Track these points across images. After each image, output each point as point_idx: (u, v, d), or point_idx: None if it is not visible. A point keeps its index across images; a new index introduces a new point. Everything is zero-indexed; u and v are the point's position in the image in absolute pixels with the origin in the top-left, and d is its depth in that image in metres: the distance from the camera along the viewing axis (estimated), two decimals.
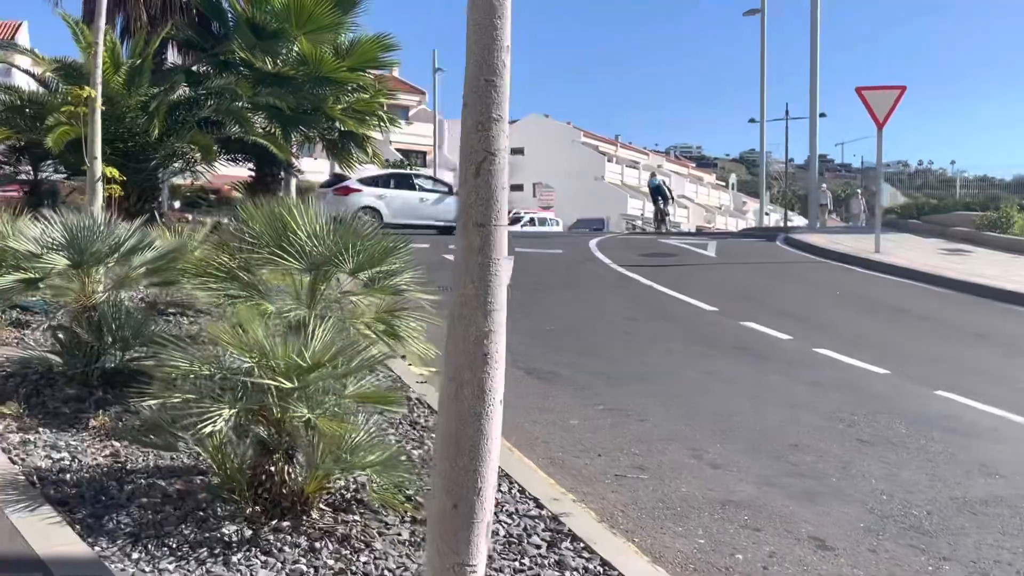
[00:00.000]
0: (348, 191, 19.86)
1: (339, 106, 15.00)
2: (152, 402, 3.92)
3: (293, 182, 16.21)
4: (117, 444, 4.63)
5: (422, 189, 20.50)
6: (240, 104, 13.40)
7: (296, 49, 14.72)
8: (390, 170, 22.87)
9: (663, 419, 5.97)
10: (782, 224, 42.37)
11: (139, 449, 4.43)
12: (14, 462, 4.30)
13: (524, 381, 6.75)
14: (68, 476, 4.16)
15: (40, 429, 4.88)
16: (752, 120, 58.24)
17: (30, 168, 15.66)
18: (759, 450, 5.35)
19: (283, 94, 14.07)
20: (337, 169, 18.71)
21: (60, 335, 5.86)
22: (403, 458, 4.03)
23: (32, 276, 5.63)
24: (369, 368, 4.22)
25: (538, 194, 61.11)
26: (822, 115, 53.83)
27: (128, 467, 4.33)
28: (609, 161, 68.08)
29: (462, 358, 2.28)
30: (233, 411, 3.68)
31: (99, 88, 7.59)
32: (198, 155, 14.65)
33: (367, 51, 15.03)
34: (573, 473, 4.86)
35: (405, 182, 20.56)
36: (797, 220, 50.84)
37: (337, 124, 15.45)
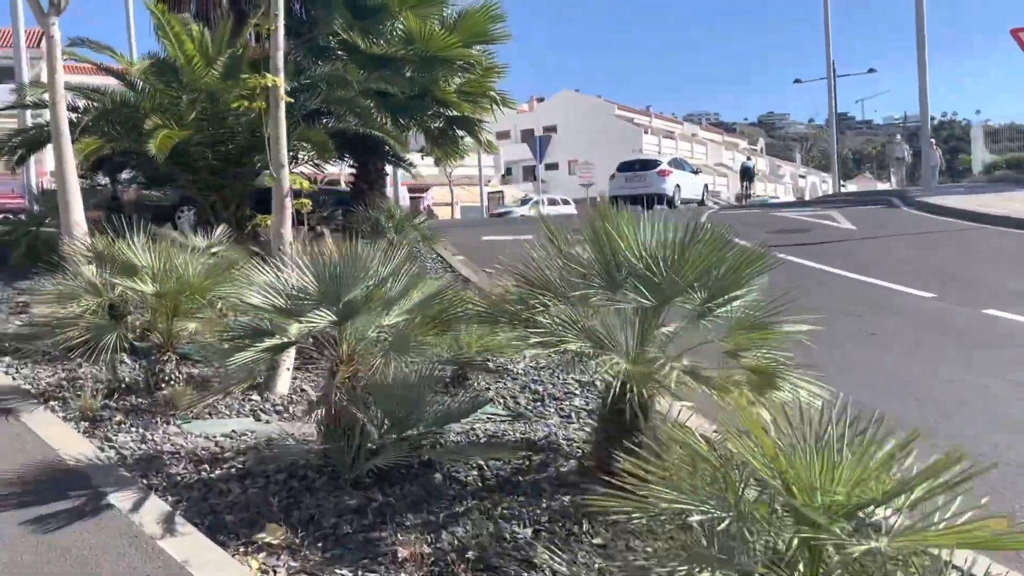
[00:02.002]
0: (665, 173, 24.25)
1: (450, 88, 13.27)
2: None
3: (397, 179, 14.57)
4: None
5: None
6: (352, 93, 11.72)
7: (400, 27, 12.99)
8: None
9: None
10: (832, 191, 40.37)
11: None
12: None
13: None
14: None
15: (332, 569, 3.31)
16: (797, 80, 56.08)
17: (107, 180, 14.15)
18: None
19: (394, 78, 12.37)
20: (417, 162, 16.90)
21: (321, 418, 4.24)
22: None
23: (282, 341, 4.02)
24: None
25: (576, 171, 59.46)
26: (871, 71, 51.58)
27: None
28: (645, 133, 66.06)
29: None
30: None
31: (281, 74, 5.95)
32: (303, 154, 13.02)
33: (476, 24, 13.25)
34: None
35: (688, 165, 24.16)
36: (850, 186, 48.94)
37: (445, 109, 13.73)
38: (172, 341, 5.67)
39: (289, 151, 12.99)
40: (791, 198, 65.22)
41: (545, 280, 4.17)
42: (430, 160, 15.54)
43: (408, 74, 13.13)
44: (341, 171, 19.39)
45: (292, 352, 6.00)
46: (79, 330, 5.53)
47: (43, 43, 29.01)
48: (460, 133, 14.49)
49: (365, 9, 12.85)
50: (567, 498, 4.17)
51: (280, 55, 6.09)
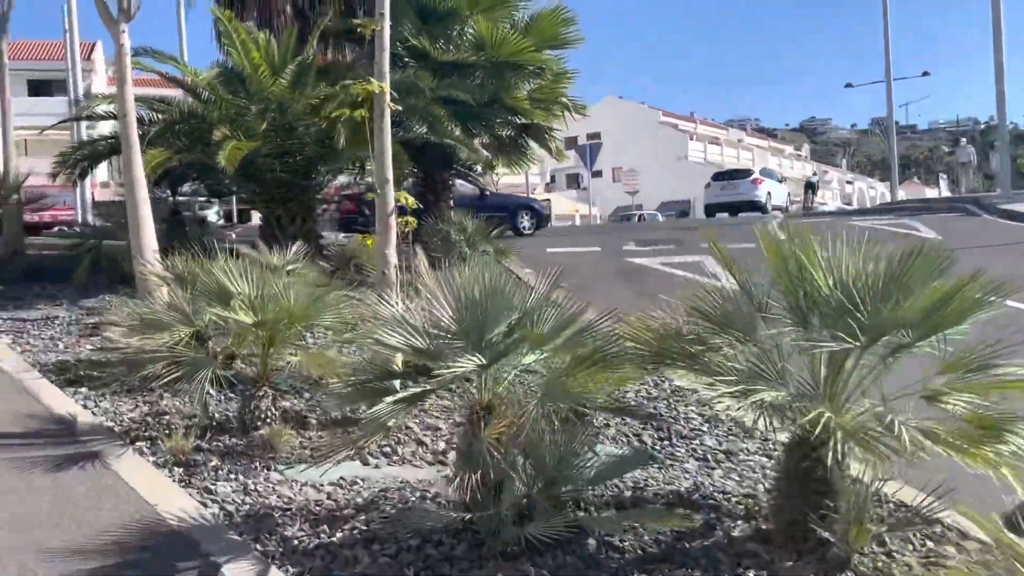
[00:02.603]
0: (758, 181, 26.18)
1: (521, 95, 12.72)
2: None
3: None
4: None
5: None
6: (424, 100, 11.22)
7: (470, 31, 12.47)
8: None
9: None
10: (889, 198, 39.73)
11: None
12: None
13: None
14: None
15: None
16: (849, 85, 54.84)
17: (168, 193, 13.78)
18: None
19: (465, 85, 11.85)
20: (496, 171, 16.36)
21: (457, 475, 3.66)
22: None
23: (423, 390, 3.45)
24: None
25: (621, 179, 58.75)
26: (925, 73, 50.91)
27: None
28: (690, 139, 65.05)
29: None
30: None
31: (387, 80, 5.41)
32: (370, 165, 12.57)
33: (547, 27, 12.70)
34: None
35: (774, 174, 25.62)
36: (899, 192, 48.60)
37: (515, 117, 13.18)
38: (267, 374, 5.14)
39: (353, 162, 12.63)
40: (839, 204, 63.78)
41: (725, 315, 3.54)
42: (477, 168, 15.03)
43: (477, 81, 12.61)
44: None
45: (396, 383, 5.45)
46: (165, 361, 5.02)
47: (93, 54, 28.80)
48: (528, 141, 13.93)
49: (434, 13, 12.36)
50: (752, 574, 3.55)
51: (386, 57, 5.55)
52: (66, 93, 26.96)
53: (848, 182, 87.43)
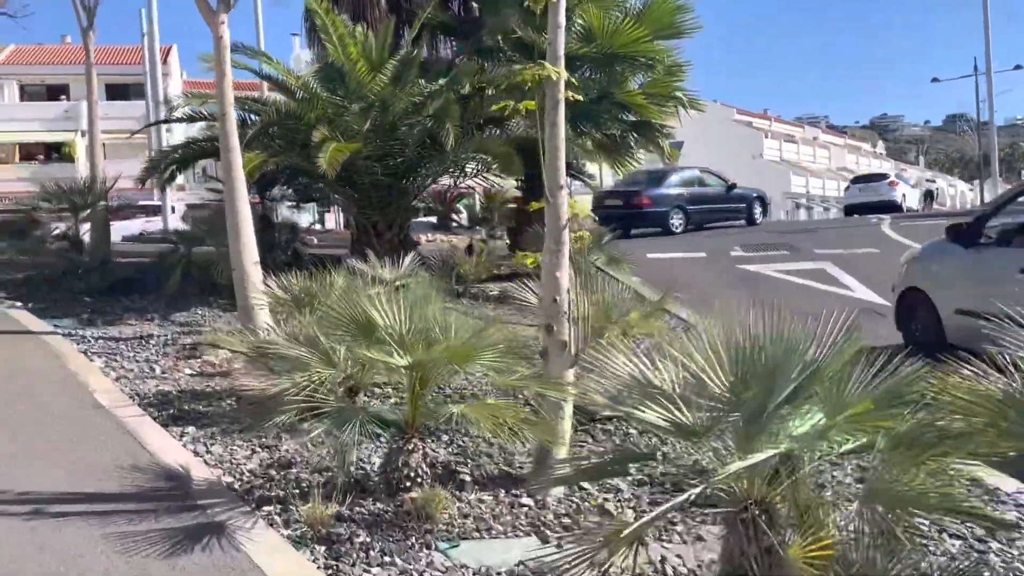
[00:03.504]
0: (895, 184, 27.64)
1: (633, 89, 11.66)
2: None
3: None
4: None
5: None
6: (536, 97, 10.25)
7: (579, 21, 11.44)
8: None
9: None
10: (978, 198, 40.41)
11: None
12: None
13: None
14: None
15: None
16: (935, 79, 52.48)
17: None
18: None
19: (579, 80, 10.85)
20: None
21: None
22: None
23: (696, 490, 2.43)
24: None
25: None
26: (1017, 67, 49.02)
27: None
28: (765, 137, 62.95)
29: None
30: None
31: (562, 64, 4.46)
32: (470, 167, 11.68)
33: (662, 15, 11.56)
34: None
35: (907, 179, 26.80)
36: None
37: (623, 113, 12.12)
38: (417, 422, 4.21)
39: (448, 166, 11.75)
40: (934, 206, 61.11)
41: None
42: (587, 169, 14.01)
43: (586, 74, 11.59)
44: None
45: (568, 431, 4.49)
46: (300, 409, 4.14)
47: (169, 58, 28.71)
48: (635, 140, 12.85)
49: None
50: None
51: (561, 37, 4.61)
52: (142, 97, 26.88)
53: (929, 180, 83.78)
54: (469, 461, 4.70)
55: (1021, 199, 8.01)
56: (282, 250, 11.48)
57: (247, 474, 4.59)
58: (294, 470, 4.57)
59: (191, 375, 6.78)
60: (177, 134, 26.53)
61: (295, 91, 10.57)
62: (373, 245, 10.90)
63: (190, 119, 11.06)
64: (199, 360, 7.17)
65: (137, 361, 7.12)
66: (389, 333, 4.06)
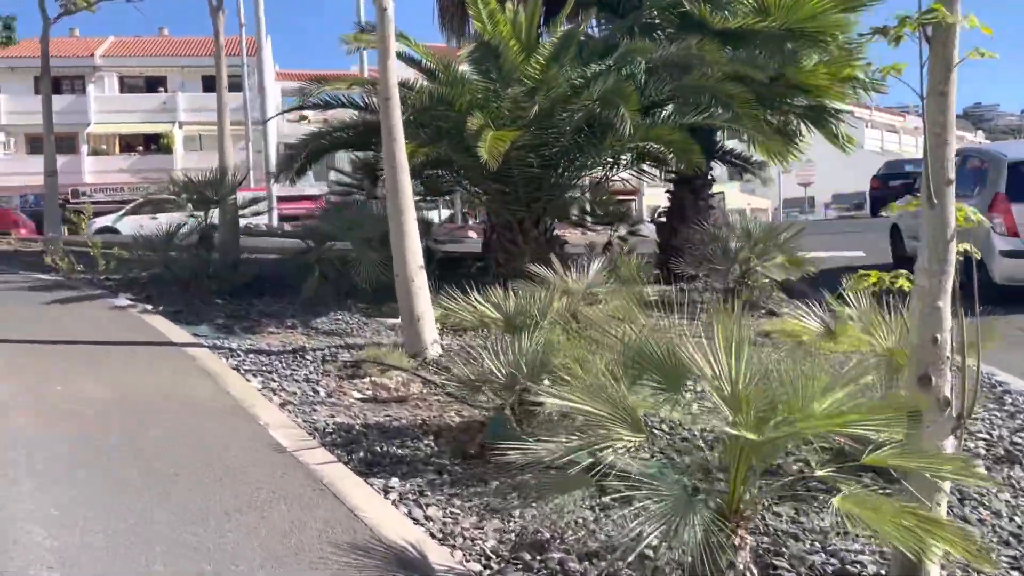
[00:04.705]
0: None
1: (815, 68, 10.29)
2: None
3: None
4: None
5: None
6: (713, 78, 9.05)
7: None
8: None
9: None
10: None
11: None
12: None
13: None
14: None
15: None
16: None
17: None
18: None
19: (754, 59, 9.61)
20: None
21: None
22: None
23: None
24: None
25: (791, 169, 54.72)
26: None
27: None
28: (866, 127, 59.86)
29: None
30: None
31: (958, 3, 3.23)
32: (624, 157, 10.52)
33: None
34: None
35: None
36: None
37: (798, 96, 10.77)
38: (740, 508, 3.09)
39: (608, 155, 10.59)
40: None
41: None
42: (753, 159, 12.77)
43: (757, 53, 10.29)
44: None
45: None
46: (587, 489, 3.05)
47: (263, 52, 27.91)
48: (804, 127, 11.51)
49: None
50: None
51: None
52: (239, 89, 26.51)
53: None
54: (785, 551, 3.54)
55: None
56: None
57: (491, 556, 3.54)
58: (554, 555, 3.50)
59: (362, 400, 5.82)
60: (270, 129, 26.05)
61: (438, 74, 9.56)
62: (518, 244, 9.88)
63: (326, 105, 10.18)
64: (365, 380, 6.21)
65: (296, 381, 6.19)
66: (716, 387, 2.93)
